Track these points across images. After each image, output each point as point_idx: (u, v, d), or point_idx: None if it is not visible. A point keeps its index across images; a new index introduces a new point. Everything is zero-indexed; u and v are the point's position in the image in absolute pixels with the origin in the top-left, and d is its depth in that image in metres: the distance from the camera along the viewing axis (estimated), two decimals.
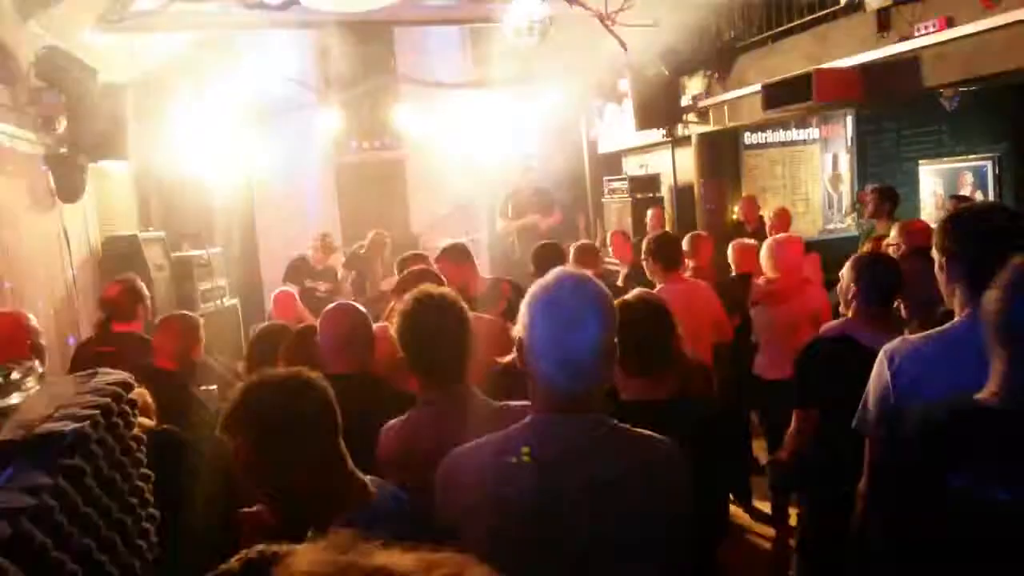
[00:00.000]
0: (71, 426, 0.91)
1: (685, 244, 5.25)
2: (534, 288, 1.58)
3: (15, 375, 1.01)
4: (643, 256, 4.57)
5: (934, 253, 2.19)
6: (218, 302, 8.07)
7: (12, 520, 0.73)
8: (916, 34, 5.63)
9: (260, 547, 0.99)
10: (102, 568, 0.83)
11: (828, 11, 6.54)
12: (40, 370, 1.12)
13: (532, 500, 1.50)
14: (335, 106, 9.26)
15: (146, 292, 4.32)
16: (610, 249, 7.20)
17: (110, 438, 0.95)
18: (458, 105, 9.94)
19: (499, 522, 1.50)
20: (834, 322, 3.18)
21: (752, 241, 5.47)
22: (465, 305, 2.17)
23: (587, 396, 1.55)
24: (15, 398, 1.01)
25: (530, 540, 1.49)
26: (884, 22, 5.92)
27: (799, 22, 6.86)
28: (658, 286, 4.31)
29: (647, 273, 4.60)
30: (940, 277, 2.17)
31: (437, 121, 9.89)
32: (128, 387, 1.03)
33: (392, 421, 2.15)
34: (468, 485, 1.56)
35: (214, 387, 3.89)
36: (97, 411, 0.95)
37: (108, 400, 0.98)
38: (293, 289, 7.03)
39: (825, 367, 2.83)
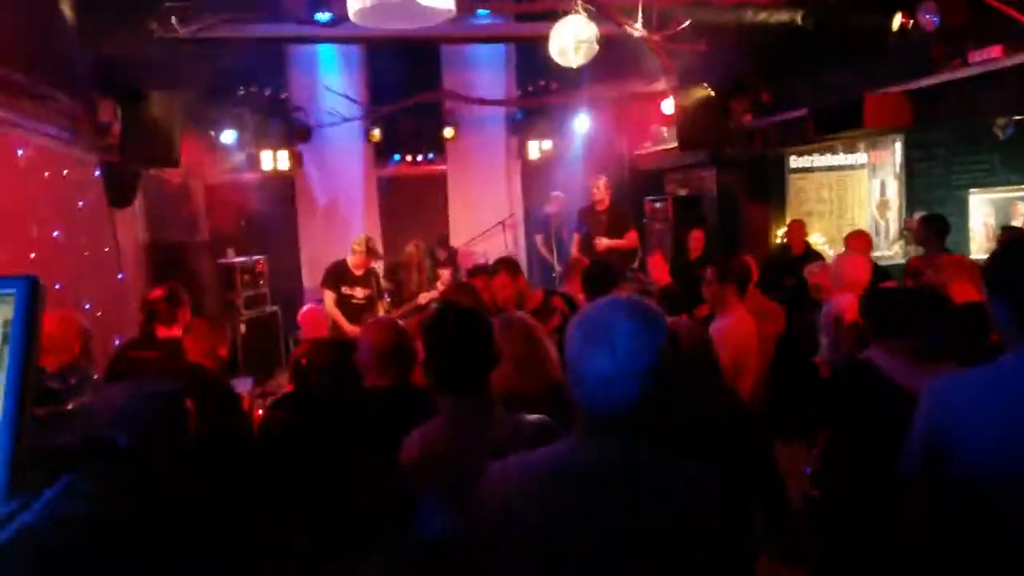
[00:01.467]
0: (125, 435, 0.92)
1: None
2: (581, 308, 1.59)
3: (72, 381, 1.03)
4: (710, 280, 4.15)
5: (983, 286, 2.13)
6: (260, 309, 8.18)
7: (69, 528, 0.74)
8: (971, 60, 5.53)
9: None
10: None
11: (880, 35, 6.45)
12: (95, 376, 1.14)
13: (576, 517, 1.49)
14: (380, 119, 9.37)
15: (187, 298, 4.36)
16: (649, 270, 7.15)
17: (164, 446, 0.96)
18: (502, 120, 10.02)
19: (545, 536, 1.50)
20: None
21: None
22: (488, 319, 2.18)
23: (623, 418, 1.50)
24: (70, 404, 1.03)
25: (573, 556, 1.49)
26: (938, 48, 5.82)
27: (849, 45, 6.78)
28: (723, 314, 4.02)
29: (709, 298, 4.19)
30: (991, 310, 2.11)
31: (479, 137, 9.97)
32: (181, 395, 1.04)
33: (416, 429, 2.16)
34: (514, 499, 1.55)
35: None
36: (152, 419, 0.96)
37: (163, 408, 0.99)
38: (330, 295, 7.04)
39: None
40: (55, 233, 5.07)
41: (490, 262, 8.90)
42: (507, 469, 1.59)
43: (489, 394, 2.12)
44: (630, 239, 8.04)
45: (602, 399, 1.48)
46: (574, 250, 8.50)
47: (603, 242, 8.01)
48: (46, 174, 5.09)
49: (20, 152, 4.75)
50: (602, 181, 8.19)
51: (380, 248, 7.70)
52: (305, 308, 6.26)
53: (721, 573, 1.55)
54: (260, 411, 4.07)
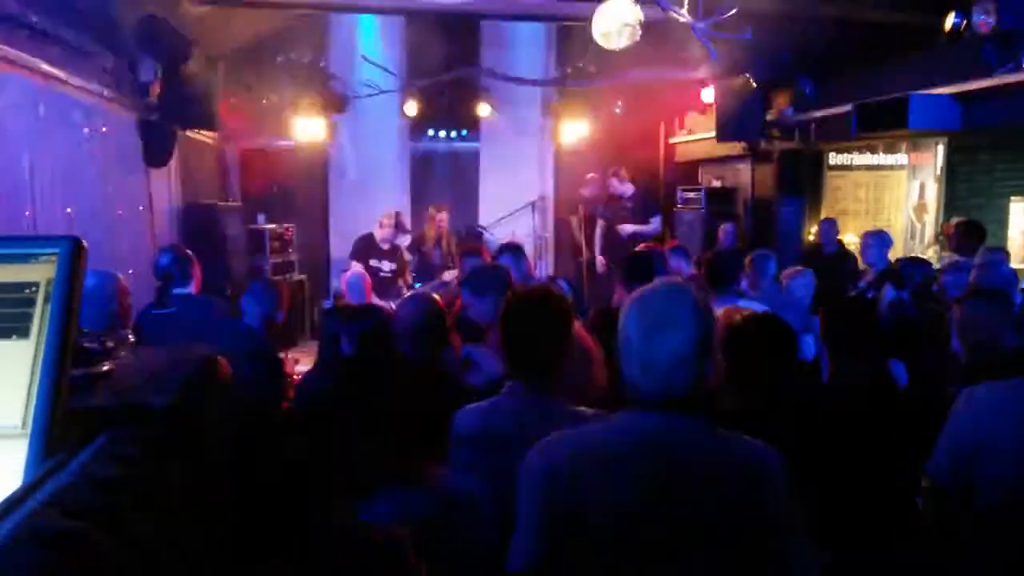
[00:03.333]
0: (162, 398, 0.92)
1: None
2: (634, 292, 1.63)
3: (108, 342, 1.03)
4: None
5: None
6: (287, 276, 8.23)
7: (103, 490, 0.73)
8: (1023, 65, 5.39)
9: None
10: (186, 542, 0.84)
11: (931, 34, 6.30)
12: (132, 339, 1.15)
13: (627, 490, 1.52)
14: (416, 93, 9.34)
15: (192, 256, 4.31)
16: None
17: (199, 412, 0.96)
18: (538, 102, 9.93)
19: (593, 510, 1.52)
20: None
21: None
22: (568, 306, 2.18)
23: (681, 397, 1.54)
24: (106, 365, 1.03)
25: (622, 531, 1.51)
26: (988, 50, 5.68)
27: (898, 43, 6.63)
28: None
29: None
30: None
31: (514, 116, 9.90)
32: (218, 361, 1.04)
33: (474, 404, 2.17)
34: (562, 473, 1.57)
35: None
36: (187, 384, 0.96)
37: (199, 373, 0.99)
38: (358, 267, 7.09)
39: None
40: (91, 190, 5.12)
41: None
42: (551, 441, 1.63)
43: (556, 381, 2.10)
44: (654, 224, 8.03)
45: (670, 380, 1.53)
46: (598, 234, 8.52)
47: (627, 228, 8.01)
48: (85, 131, 5.14)
49: (60, 105, 4.79)
50: (622, 171, 8.20)
51: (408, 223, 7.76)
52: (350, 272, 6.33)
53: (770, 560, 1.53)
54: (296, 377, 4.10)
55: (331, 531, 1.19)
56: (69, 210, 4.70)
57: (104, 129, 5.43)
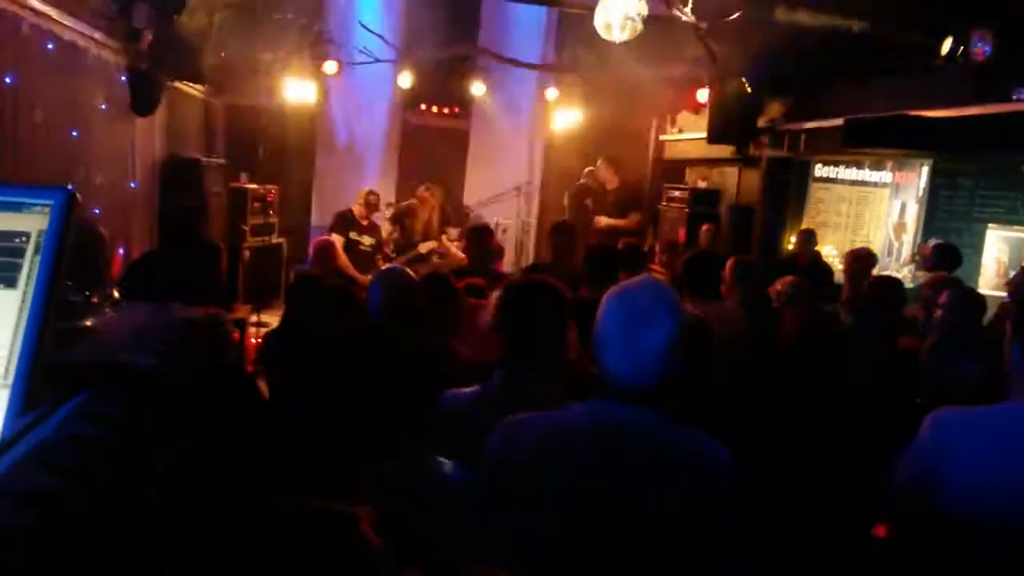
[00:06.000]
0: (145, 359, 0.91)
1: None
2: (615, 286, 1.69)
3: (93, 299, 1.02)
4: None
5: (1007, 327, 2.14)
6: (266, 238, 8.16)
7: (81, 448, 0.73)
8: (1014, 97, 5.46)
9: None
10: (168, 510, 0.83)
11: (927, 56, 6.35)
12: (116, 295, 1.13)
13: (584, 474, 1.57)
14: (411, 66, 9.25)
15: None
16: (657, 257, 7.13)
17: (186, 375, 0.94)
18: (532, 87, 9.88)
19: (547, 492, 1.58)
20: None
21: None
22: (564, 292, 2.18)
23: (649, 391, 1.60)
24: (89, 321, 1.02)
25: (575, 516, 1.55)
26: (982, 79, 5.74)
27: (894, 61, 6.68)
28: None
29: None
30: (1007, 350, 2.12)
31: (508, 98, 9.84)
32: (217, 322, 1.01)
33: (465, 389, 2.17)
34: (521, 452, 1.63)
35: None
36: (176, 347, 0.94)
37: (187, 337, 0.97)
38: (338, 240, 7.08)
39: None
40: (74, 132, 5.03)
41: (501, 226, 8.94)
42: (514, 423, 1.68)
43: (548, 369, 2.09)
44: (631, 220, 8.07)
45: (640, 372, 1.58)
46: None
47: (602, 220, 8.05)
48: (73, 71, 5.03)
49: (49, 45, 4.69)
50: (609, 161, 8.23)
51: (379, 204, 7.91)
52: (320, 237, 6.32)
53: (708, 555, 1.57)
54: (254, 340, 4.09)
55: (283, 507, 1.18)
56: (50, 151, 4.61)
57: (93, 74, 5.32)
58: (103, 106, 5.53)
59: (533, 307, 2.12)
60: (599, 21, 5.26)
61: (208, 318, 1.01)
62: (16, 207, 0.84)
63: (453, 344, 2.77)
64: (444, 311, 2.85)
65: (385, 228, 8.05)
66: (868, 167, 9.00)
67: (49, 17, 4.63)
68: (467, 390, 2.16)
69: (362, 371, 1.73)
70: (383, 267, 5.52)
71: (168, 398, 0.93)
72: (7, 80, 4.19)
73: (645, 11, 5.09)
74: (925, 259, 7.08)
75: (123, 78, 5.80)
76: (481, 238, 5.11)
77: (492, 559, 1.59)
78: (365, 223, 7.60)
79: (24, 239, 0.83)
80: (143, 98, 5.97)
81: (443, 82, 9.69)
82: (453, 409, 2.11)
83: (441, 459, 1.73)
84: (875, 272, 6.13)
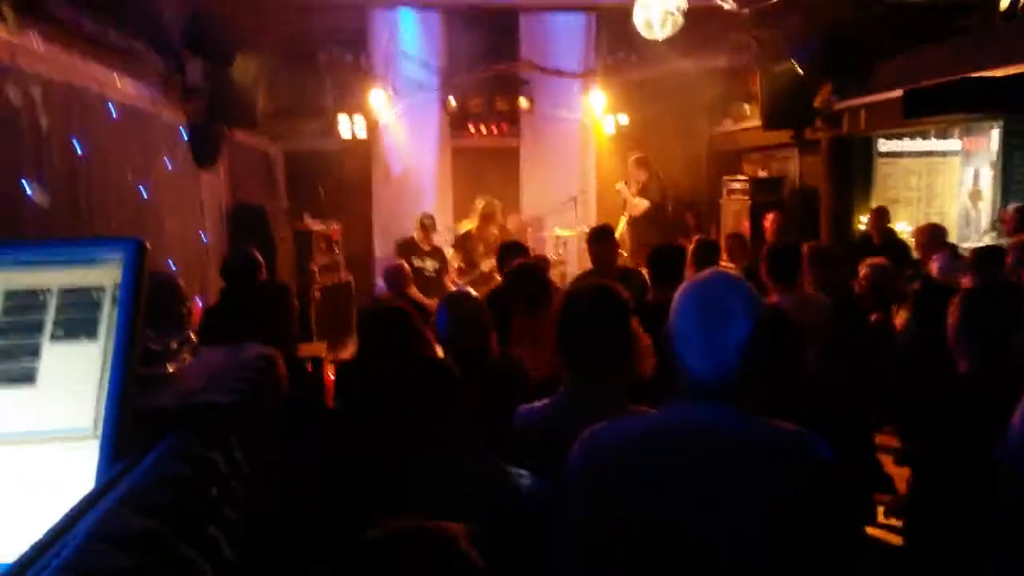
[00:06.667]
0: (226, 397, 0.93)
1: None
2: (687, 281, 1.64)
3: (173, 345, 1.04)
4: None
5: None
6: (334, 276, 8.32)
7: (174, 489, 0.74)
8: None
9: None
10: (251, 541, 0.85)
11: (985, 14, 6.10)
12: (194, 340, 1.17)
13: (681, 482, 1.50)
14: (456, 89, 9.35)
15: (261, 260, 4.45)
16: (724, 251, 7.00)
17: (259, 411, 0.97)
18: (578, 95, 9.86)
19: (641, 502, 1.51)
20: None
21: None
22: (625, 300, 2.14)
23: (729, 387, 1.54)
24: (171, 367, 1.05)
25: (672, 526, 1.49)
26: None
27: (950, 24, 6.43)
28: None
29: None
30: None
31: (554, 110, 9.84)
32: (275, 360, 1.04)
33: (536, 404, 2.15)
34: (609, 462, 1.57)
35: None
36: (249, 383, 0.97)
37: (259, 373, 1.00)
38: (400, 261, 7.17)
39: None
40: (143, 191, 5.22)
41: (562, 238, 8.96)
42: (595, 434, 1.62)
43: (615, 378, 2.06)
44: (641, 203, 8.45)
45: (721, 368, 1.52)
46: None
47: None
48: (137, 132, 5.24)
49: (112, 109, 4.89)
50: (631, 162, 8.33)
51: (435, 225, 8.03)
52: (391, 264, 6.42)
53: (811, 550, 1.51)
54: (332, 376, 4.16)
55: (384, 530, 1.19)
56: (123, 213, 4.80)
57: (155, 134, 5.53)
58: (167, 162, 5.74)
59: (592, 314, 2.08)
60: (639, 19, 5.23)
61: (271, 355, 1.04)
62: (89, 261, 0.87)
63: (517, 352, 2.78)
64: (534, 301, 2.92)
65: (448, 253, 8.13)
66: (934, 136, 8.69)
67: (112, 84, 4.83)
68: (537, 404, 2.14)
69: (426, 413, 1.77)
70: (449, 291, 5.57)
71: (251, 428, 0.95)
72: (79, 151, 4.37)
73: (685, 4, 5.02)
74: (1007, 224, 6.77)
75: (184, 133, 6.01)
76: (512, 255, 5.06)
77: (579, 570, 1.56)
78: (427, 248, 7.73)
79: (100, 292, 0.86)
80: (204, 151, 6.17)
81: (489, 102, 9.76)
82: (526, 424, 2.10)
83: (520, 471, 1.72)
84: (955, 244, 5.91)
